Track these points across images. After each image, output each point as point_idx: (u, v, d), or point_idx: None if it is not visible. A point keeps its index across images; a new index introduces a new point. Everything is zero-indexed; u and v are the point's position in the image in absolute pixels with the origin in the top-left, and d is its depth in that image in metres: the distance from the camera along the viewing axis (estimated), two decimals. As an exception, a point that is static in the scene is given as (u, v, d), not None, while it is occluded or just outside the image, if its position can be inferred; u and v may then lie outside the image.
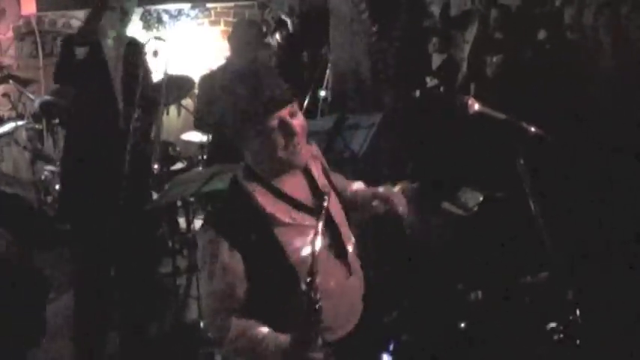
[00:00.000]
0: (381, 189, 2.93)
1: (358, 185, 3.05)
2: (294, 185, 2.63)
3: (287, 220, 2.54)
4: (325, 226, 2.45)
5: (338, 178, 2.96)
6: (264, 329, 2.50)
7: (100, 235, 4.74)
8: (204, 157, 6.81)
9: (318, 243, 2.31)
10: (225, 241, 2.48)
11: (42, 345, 4.68)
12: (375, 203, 2.89)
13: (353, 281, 2.73)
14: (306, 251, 2.50)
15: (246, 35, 5.83)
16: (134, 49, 4.91)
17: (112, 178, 4.62)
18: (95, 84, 4.64)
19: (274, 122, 2.44)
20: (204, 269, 2.57)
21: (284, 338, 2.40)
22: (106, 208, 4.63)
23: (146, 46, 5.04)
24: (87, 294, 4.91)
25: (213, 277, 2.52)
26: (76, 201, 4.81)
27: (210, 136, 6.33)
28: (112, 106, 4.69)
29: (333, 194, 2.68)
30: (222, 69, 5.97)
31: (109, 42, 4.70)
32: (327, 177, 2.79)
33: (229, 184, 2.65)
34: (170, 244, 6.12)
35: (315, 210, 2.56)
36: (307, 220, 2.56)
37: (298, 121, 2.50)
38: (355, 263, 2.77)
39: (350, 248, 2.73)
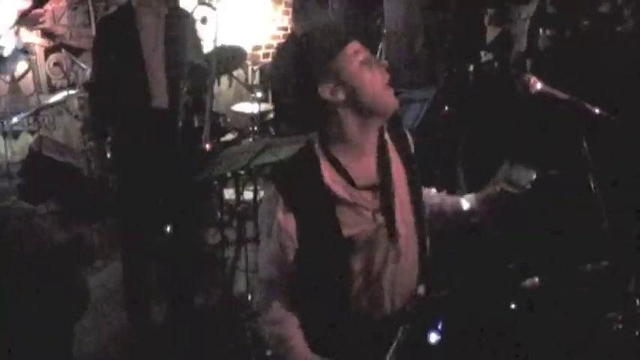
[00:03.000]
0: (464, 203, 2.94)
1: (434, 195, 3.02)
2: (363, 166, 2.58)
3: (345, 196, 2.51)
4: (381, 210, 2.53)
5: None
6: (297, 338, 2.59)
7: (150, 205, 4.76)
8: (255, 128, 6.77)
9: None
10: (281, 198, 2.49)
11: (89, 314, 4.72)
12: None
13: (403, 265, 2.68)
14: (352, 230, 2.51)
15: (304, 4, 5.71)
16: (180, 19, 4.88)
17: (161, 150, 4.62)
18: (127, 58, 4.64)
19: (357, 59, 2.46)
20: (263, 225, 2.60)
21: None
22: (157, 180, 4.64)
23: (193, 14, 4.97)
24: (134, 264, 4.94)
25: (269, 234, 2.55)
26: (127, 175, 4.83)
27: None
28: (144, 79, 4.67)
29: (403, 183, 2.67)
30: (291, 39, 5.85)
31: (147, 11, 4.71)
32: (409, 171, 2.73)
33: (302, 147, 2.63)
34: (219, 215, 6.10)
35: (375, 190, 2.56)
36: (363, 199, 2.54)
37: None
38: (409, 250, 2.71)
39: (403, 232, 2.67)
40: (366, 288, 2.60)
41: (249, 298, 5.09)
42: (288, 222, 2.49)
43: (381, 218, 2.56)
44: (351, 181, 2.52)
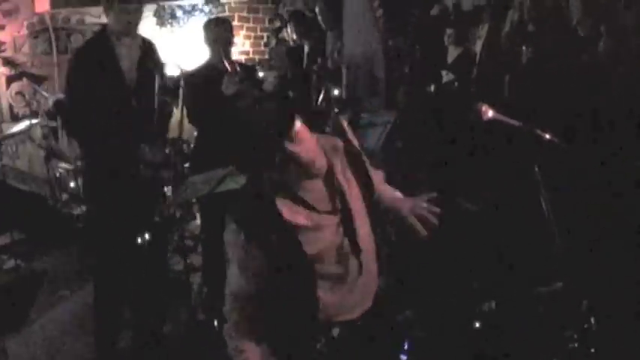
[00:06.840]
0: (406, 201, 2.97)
1: (381, 181, 3.05)
2: (319, 189, 2.61)
3: (305, 222, 2.55)
4: (342, 223, 2.61)
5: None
6: None
7: (120, 233, 4.75)
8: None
9: None
10: (242, 233, 2.52)
11: (55, 342, 4.71)
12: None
13: (365, 279, 2.75)
14: (317, 247, 2.56)
15: (212, 33, 5.79)
16: (150, 46, 4.94)
17: (130, 177, 4.63)
18: (107, 86, 4.63)
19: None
20: (229, 252, 2.61)
21: None
22: (126, 207, 4.63)
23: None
24: (107, 291, 4.93)
25: (235, 261, 2.58)
26: (98, 202, 4.82)
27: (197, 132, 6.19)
28: (126, 106, 4.68)
29: (355, 189, 2.72)
30: (202, 67, 5.89)
31: (126, 40, 4.74)
32: (354, 162, 2.78)
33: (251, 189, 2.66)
34: (183, 241, 6.10)
35: (334, 210, 2.61)
36: (325, 219, 2.59)
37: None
38: (370, 262, 2.78)
39: (364, 247, 2.73)
40: (340, 300, 2.67)
41: (216, 324, 5.08)
42: (252, 251, 2.52)
43: (341, 233, 2.64)
44: (311, 208, 2.56)
